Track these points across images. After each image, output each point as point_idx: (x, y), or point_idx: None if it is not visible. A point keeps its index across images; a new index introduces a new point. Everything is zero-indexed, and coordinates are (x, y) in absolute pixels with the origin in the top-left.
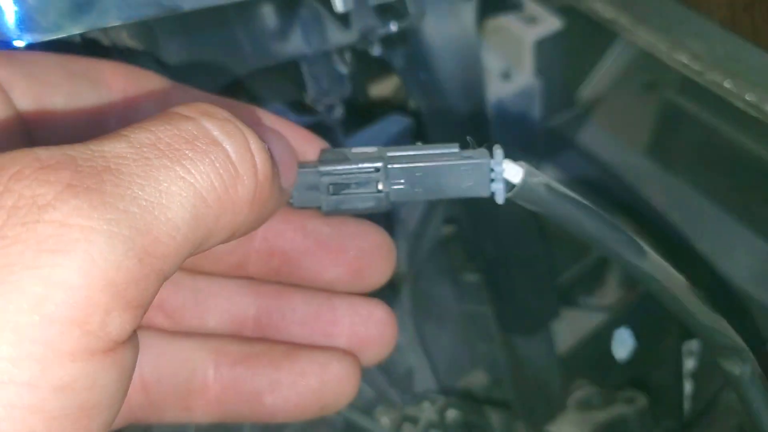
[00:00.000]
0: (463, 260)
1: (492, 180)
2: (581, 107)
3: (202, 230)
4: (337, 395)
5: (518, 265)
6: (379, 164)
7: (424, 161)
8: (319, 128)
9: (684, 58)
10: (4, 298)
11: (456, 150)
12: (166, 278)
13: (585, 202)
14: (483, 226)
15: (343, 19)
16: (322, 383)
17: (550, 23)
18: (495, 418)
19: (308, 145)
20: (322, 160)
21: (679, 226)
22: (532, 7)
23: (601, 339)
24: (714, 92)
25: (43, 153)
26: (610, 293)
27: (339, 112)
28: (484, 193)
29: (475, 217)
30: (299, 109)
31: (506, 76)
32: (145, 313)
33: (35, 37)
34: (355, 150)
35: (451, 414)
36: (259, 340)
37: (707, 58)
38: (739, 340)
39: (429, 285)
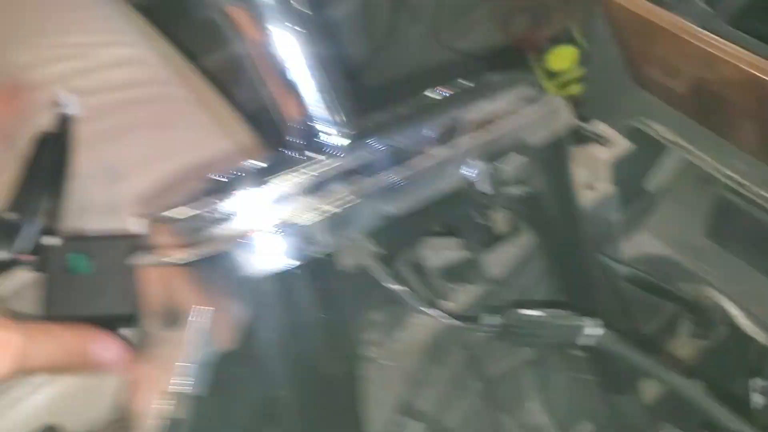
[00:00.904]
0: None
1: None
2: (650, 197)
3: None
4: None
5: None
6: None
7: None
8: None
9: (731, 173)
10: None
11: None
12: None
13: None
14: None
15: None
16: None
17: (623, 145)
18: None
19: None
20: None
21: (735, 295)
22: (609, 132)
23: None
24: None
25: None
26: (683, 345)
27: None
28: None
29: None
30: None
31: (590, 187)
32: None
33: None
34: None
35: None
36: None
37: (751, 176)
38: None
39: (548, 362)
